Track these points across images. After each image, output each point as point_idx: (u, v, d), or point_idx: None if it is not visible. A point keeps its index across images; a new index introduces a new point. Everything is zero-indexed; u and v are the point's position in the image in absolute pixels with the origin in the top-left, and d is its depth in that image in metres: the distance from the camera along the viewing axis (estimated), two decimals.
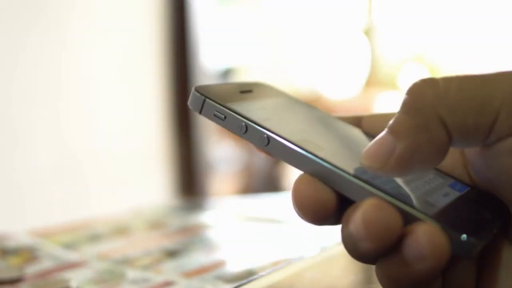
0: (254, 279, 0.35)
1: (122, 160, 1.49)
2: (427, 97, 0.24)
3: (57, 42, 1.32)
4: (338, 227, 0.26)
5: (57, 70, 1.33)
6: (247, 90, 0.31)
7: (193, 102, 0.28)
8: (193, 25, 1.63)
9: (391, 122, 0.25)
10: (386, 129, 0.25)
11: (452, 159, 0.29)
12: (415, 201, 0.25)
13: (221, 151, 2.25)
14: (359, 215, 0.23)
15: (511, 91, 0.24)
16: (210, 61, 1.80)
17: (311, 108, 0.33)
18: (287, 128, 0.28)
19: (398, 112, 0.25)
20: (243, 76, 2.77)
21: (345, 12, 3.03)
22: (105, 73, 1.45)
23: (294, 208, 0.25)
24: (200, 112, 0.28)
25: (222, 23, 2.62)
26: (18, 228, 0.49)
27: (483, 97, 0.24)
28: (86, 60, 1.40)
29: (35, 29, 1.27)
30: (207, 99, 0.28)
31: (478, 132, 0.24)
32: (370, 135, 0.31)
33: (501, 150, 0.25)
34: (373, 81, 2.98)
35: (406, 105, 0.25)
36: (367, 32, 3.03)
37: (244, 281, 0.35)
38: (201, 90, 0.28)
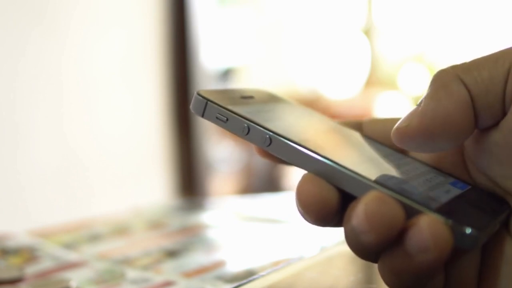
0: (254, 279, 0.35)
1: (123, 160, 1.50)
2: (445, 69, 0.26)
3: (58, 43, 1.32)
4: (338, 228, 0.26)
5: (58, 71, 1.33)
6: (248, 96, 0.31)
7: (195, 105, 0.28)
8: (193, 25, 1.63)
9: None
10: None
11: (452, 158, 0.29)
12: (417, 196, 0.25)
13: (221, 151, 2.25)
14: (361, 209, 0.23)
15: None
16: (210, 61, 1.80)
17: (312, 113, 0.33)
18: (289, 129, 0.28)
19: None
20: (243, 76, 2.77)
21: (345, 12, 3.03)
22: (106, 73, 1.45)
23: (298, 207, 0.25)
24: (203, 115, 0.28)
25: (222, 23, 2.62)
26: (21, 228, 0.49)
27: (495, 56, 0.26)
28: (87, 61, 1.40)
29: (36, 31, 1.27)
30: (209, 102, 0.28)
31: (494, 83, 0.25)
32: (371, 139, 0.31)
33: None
34: (373, 81, 2.98)
35: (429, 83, 0.26)
36: (367, 32, 3.03)
37: (244, 281, 0.35)
38: (203, 94, 0.28)
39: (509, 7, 2.67)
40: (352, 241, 0.24)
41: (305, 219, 0.26)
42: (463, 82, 0.25)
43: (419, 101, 0.26)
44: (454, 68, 0.26)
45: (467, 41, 2.78)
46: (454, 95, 0.25)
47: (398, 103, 2.66)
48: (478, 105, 0.25)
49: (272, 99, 0.33)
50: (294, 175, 2.05)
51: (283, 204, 0.58)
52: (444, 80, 0.25)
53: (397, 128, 0.26)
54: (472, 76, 0.25)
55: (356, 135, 0.31)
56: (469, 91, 0.25)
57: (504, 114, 0.25)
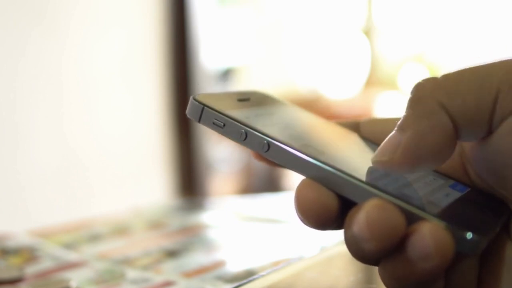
0: (254, 279, 0.35)
1: (123, 160, 1.50)
2: (427, 88, 0.25)
3: (58, 43, 1.32)
4: None
5: (58, 71, 1.33)
6: (244, 99, 0.31)
7: (192, 110, 0.28)
8: (193, 25, 1.63)
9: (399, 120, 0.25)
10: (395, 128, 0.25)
11: (451, 161, 0.29)
12: (417, 201, 0.25)
13: (221, 151, 2.25)
14: (362, 216, 0.23)
15: (508, 70, 0.24)
16: (210, 61, 1.80)
17: (309, 115, 0.33)
18: (287, 134, 0.28)
19: (404, 110, 0.26)
20: (243, 76, 2.77)
21: (345, 12, 3.03)
22: (106, 73, 1.45)
23: (297, 213, 0.25)
24: (199, 121, 0.28)
25: (222, 23, 2.62)
26: (21, 228, 0.49)
27: (481, 77, 0.25)
28: (87, 61, 1.40)
29: (36, 31, 1.27)
30: (205, 107, 0.28)
31: (481, 112, 0.24)
32: (368, 140, 0.31)
33: (504, 132, 0.24)
34: (373, 81, 2.98)
35: (409, 101, 0.25)
36: (367, 32, 3.03)
37: (244, 281, 0.35)
38: (199, 99, 0.28)
39: (508, 7, 2.67)
40: (353, 247, 0.24)
41: (305, 224, 0.26)
42: (446, 111, 0.24)
43: (399, 123, 0.25)
44: (435, 90, 0.25)
45: (467, 41, 2.78)
46: (438, 128, 0.24)
47: (398, 103, 2.66)
48: (462, 131, 0.25)
49: (268, 101, 0.33)
50: (293, 175, 2.04)
51: (283, 204, 0.58)
52: (426, 107, 0.25)
53: (379, 161, 0.25)
54: (456, 104, 0.24)
55: (354, 137, 0.31)
56: (453, 121, 0.24)
57: (490, 131, 0.25)
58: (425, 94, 0.25)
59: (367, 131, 0.31)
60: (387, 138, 0.25)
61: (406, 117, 0.25)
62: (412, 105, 0.25)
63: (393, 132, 0.25)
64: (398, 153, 0.25)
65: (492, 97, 0.24)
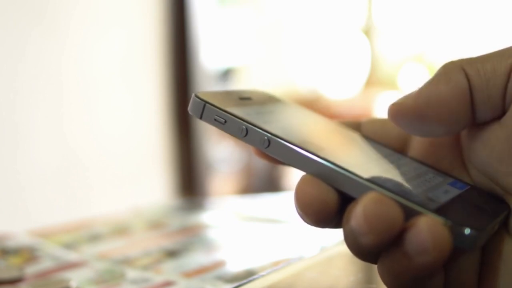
0: (254, 279, 0.35)
1: (123, 160, 1.50)
2: (453, 61, 0.27)
3: (58, 43, 1.32)
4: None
5: (58, 71, 1.33)
6: (246, 97, 0.31)
7: (193, 107, 0.28)
8: (193, 25, 1.63)
9: None
10: None
11: (451, 159, 0.29)
12: (416, 197, 0.25)
13: (221, 151, 2.25)
14: (360, 210, 0.23)
15: None
16: (210, 61, 1.80)
17: (310, 114, 0.33)
18: (287, 130, 0.28)
19: None
20: (243, 76, 2.77)
21: (345, 12, 3.03)
22: (106, 73, 1.45)
23: (297, 209, 0.25)
24: (201, 117, 0.28)
25: (222, 23, 2.62)
26: (21, 228, 0.49)
27: (501, 51, 0.26)
28: (87, 61, 1.40)
29: (36, 31, 1.27)
30: (207, 104, 0.28)
31: (496, 76, 0.25)
32: (369, 140, 0.31)
33: None
34: (373, 81, 2.98)
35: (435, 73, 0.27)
36: (367, 32, 3.03)
37: (244, 281, 0.35)
38: (201, 96, 0.28)
39: (509, 7, 2.67)
40: (351, 242, 0.24)
41: (304, 220, 0.26)
42: (465, 72, 0.26)
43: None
44: (460, 60, 0.26)
45: (467, 41, 2.78)
46: (452, 82, 0.25)
47: None
48: (478, 97, 0.25)
49: (270, 100, 0.33)
50: (294, 175, 2.05)
51: (283, 204, 0.58)
52: (447, 69, 0.26)
53: (392, 104, 0.26)
54: (475, 67, 0.26)
55: (355, 136, 0.31)
56: (469, 81, 0.25)
57: (504, 109, 0.25)
58: (449, 62, 0.27)
59: (368, 130, 0.32)
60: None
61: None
62: (435, 73, 0.27)
63: None
64: (411, 97, 0.26)
65: (508, 64, 0.25)
